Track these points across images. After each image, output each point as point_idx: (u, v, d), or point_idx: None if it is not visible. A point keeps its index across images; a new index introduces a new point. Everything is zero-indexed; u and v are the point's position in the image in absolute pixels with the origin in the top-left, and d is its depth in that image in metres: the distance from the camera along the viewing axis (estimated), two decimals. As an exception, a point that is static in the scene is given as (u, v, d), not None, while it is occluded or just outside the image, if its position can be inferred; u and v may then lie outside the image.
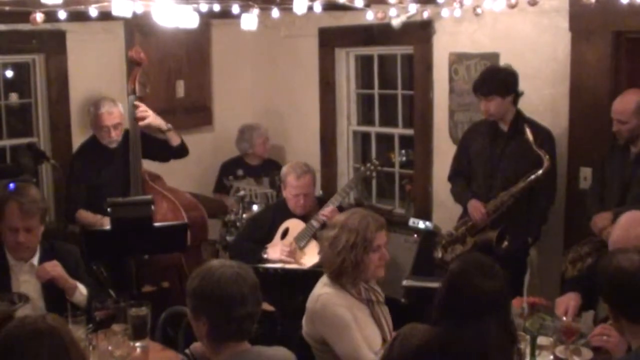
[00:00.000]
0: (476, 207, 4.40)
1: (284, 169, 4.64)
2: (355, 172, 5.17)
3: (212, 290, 2.39)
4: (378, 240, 3.20)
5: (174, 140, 4.89)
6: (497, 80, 4.37)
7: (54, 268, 3.41)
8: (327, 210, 4.45)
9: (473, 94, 4.53)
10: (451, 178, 4.74)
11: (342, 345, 3.07)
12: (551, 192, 4.45)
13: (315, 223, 4.44)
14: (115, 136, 4.74)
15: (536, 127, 4.34)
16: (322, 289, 3.22)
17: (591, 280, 3.41)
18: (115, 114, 4.73)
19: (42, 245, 3.55)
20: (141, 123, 4.72)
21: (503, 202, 4.32)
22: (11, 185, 3.76)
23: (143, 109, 4.71)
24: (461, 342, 2.41)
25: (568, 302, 3.34)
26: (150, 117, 4.75)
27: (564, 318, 3.22)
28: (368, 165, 4.68)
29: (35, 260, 3.50)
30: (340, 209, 4.43)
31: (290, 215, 4.56)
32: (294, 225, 4.53)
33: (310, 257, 4.35)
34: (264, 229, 4.59)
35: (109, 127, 4.71)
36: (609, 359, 2.92)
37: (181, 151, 4.97)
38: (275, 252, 4.39)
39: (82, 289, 3.46)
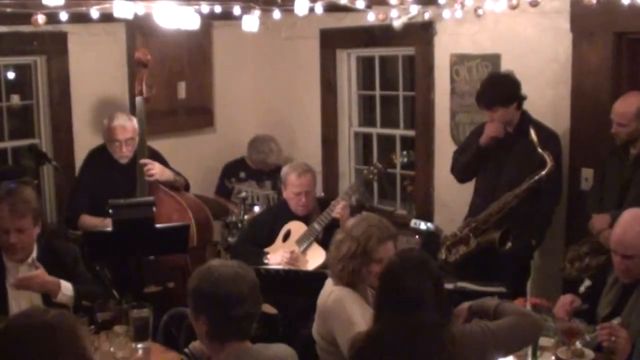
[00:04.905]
0: None
1: (284, 169, 4.61)
2: (358, 175, 5.13)
3: (211, 290, 2.39)
4: (381, 252, 3.13)
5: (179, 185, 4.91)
6: (499, 91, 4.36)
7: (27, 282, 3.36)
8: (339, 206, 4.36)
9: (475, 101, 4.51)
10: (454, 169, 4.70)
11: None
12: (556, 194, 4.43)
13: (317, 226, 4.39)
14: (127, 152, 4.68)
15: (541, 129, 4.32)
16: (334, 286, 3.19)
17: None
18: (128, 128, 4.66)
19: (39, 244, 3.54)
20: (149, 179, 4.67)
21: (507, 202, 4.31)
22: (12, 185, 3.77)
23: (148, 167, 4.65)
24: (394, 336, 2.49)
25: (566, 299, 3.36)
26: (157, 174, 4.67)
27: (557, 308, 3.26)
28: (371, 168, 4.63)
29: (31, 260, 3.47)
30: (362, 207, 4.37)
31: (292, 217, 4.52)
32: (296, 228, 4.49)
33: (312, 261, 4.32)
34: (265, 230, 4.55)
35: (120, 142, 4.65)
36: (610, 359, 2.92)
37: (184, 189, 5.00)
38: (276, 258, 4.33)
39: (65, 290, 3.43)
